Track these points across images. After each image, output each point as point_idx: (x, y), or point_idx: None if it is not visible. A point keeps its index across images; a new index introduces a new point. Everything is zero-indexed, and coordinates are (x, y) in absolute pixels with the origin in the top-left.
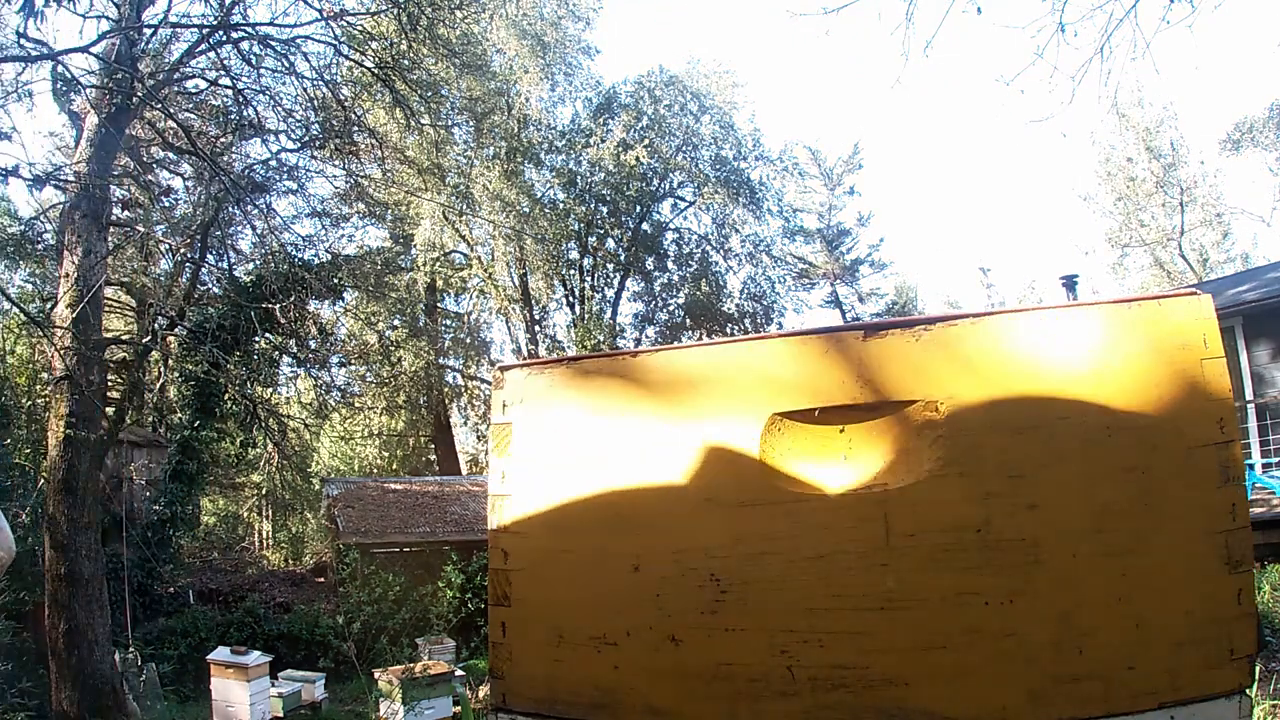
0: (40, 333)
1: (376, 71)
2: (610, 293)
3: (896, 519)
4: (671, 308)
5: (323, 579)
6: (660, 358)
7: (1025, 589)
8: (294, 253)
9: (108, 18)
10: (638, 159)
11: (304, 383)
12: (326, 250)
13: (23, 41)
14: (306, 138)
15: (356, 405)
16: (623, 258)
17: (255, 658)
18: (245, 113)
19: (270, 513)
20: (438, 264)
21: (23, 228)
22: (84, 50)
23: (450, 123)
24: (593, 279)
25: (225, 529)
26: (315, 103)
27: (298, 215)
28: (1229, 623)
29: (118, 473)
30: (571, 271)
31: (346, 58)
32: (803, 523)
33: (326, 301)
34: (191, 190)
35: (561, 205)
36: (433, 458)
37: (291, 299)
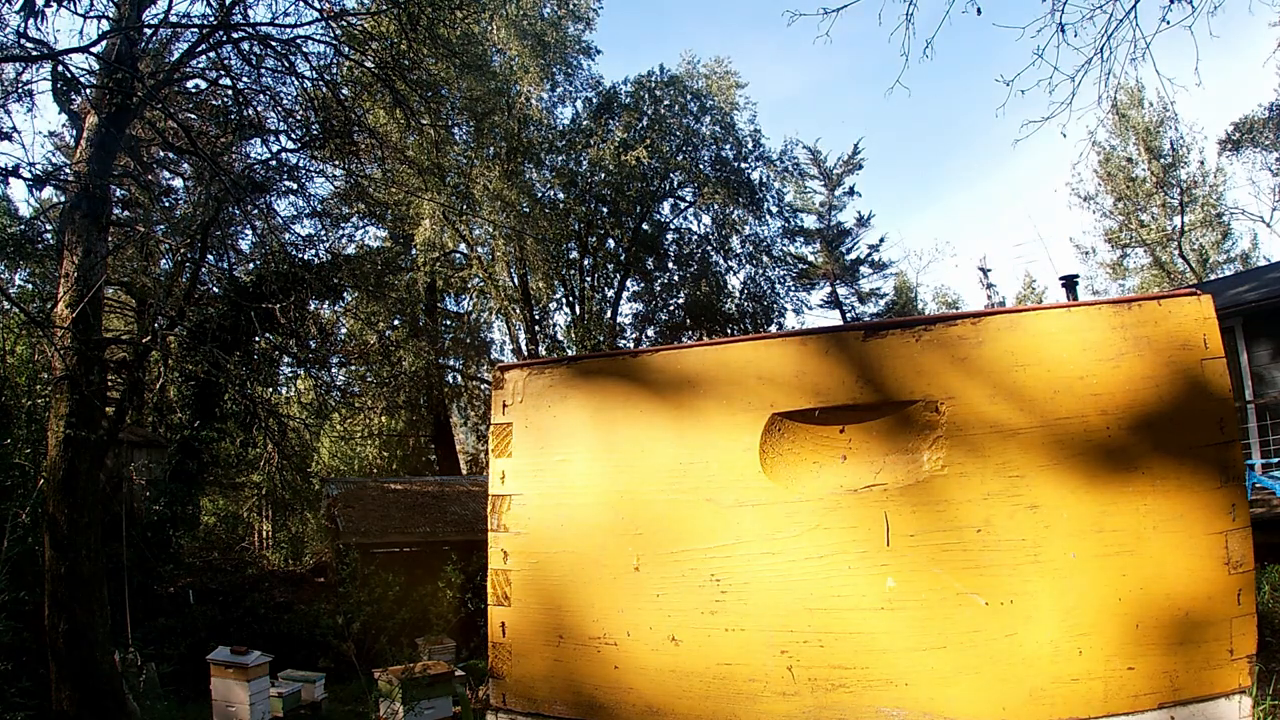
0: (40, 333)
1: (376, 71)
2: (610, 293)
3: (896, 519)
4: (671, 308)
5: (323, 579)
6: (660, 358)
7: (1025, 589)
8: (294, 253)
9: (108, 18)
10: (638, 159)
11: (304, 383)
12: (326, 250)
13: (23, 41)
14: (306, 138)
15: (356, 405)
16: (623, 258)
17: (255, 658)
18: (245, 113)
19: (270, 513)
20: (438, 264)
21: (23, 228)
22: (84, 50)
23: (450, 123)
24: (593, 279)
25: (225, 529)
26: (315, 103)
27: (298, 215)
28: (1229, 623)
29: (118, 473)
30: (571, 271)
31: (346, 58)
32: (803, 523)
33: (326, 301)
34: (191, 190)
35: (562, 205)
36: (433, 458)
37: (291, 299)
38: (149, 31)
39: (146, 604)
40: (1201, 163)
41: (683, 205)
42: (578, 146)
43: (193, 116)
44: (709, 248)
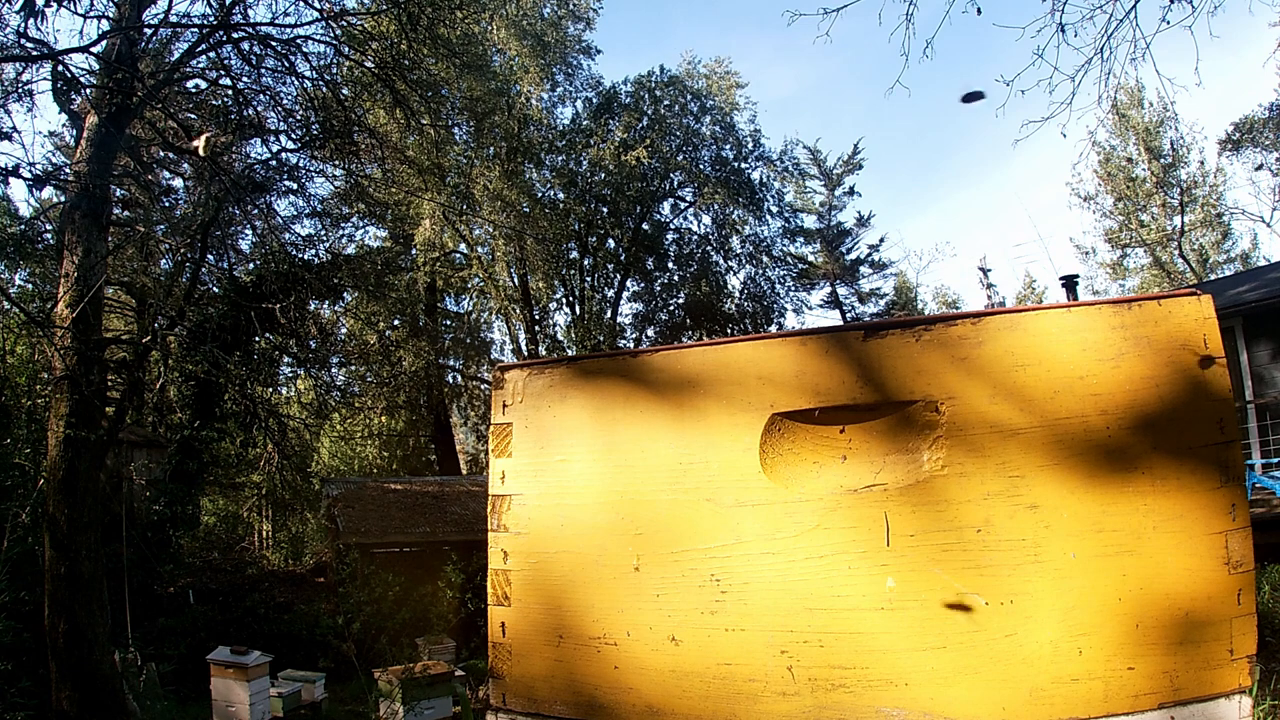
0: (40, 333)
1: (376, 71)
2: (610, 293)
3: (896, 519)
4: (671, 308)
5: (323, 579)
6: (660, 358)
7: (1025, 589)
8: (294, 253)
9: (108, 18)
10: (638, 159)
11: (304, 383)
12: (326, 250)
13: (23, 41)
14: (306, 138)
15: (356, 405)
16: (623, 258)
17: (255, 658)
18: (245, 113)
19: (270, 513)
20: (438, 264)
21: (23, 228)
22: (84, 50)
23: (450, 123)
24: (593, 279)
25: (225, 529)
26: (315, 103)
27: (298, 215)
28: (1229, 623)
29: (118, 473)
30: (571, 271)
31: (346, 58)
32: (803, 523)
33: (326, 301)
34: (191, 190)
35: (562, 205)
36: (433, 458)
37: (291, 299)
38: (149, 31)
39: (146, 604)
40: (1201, 163)
41: (683, 205)
42: (578, 146)
43: (193, 116)
44: (709, 248)
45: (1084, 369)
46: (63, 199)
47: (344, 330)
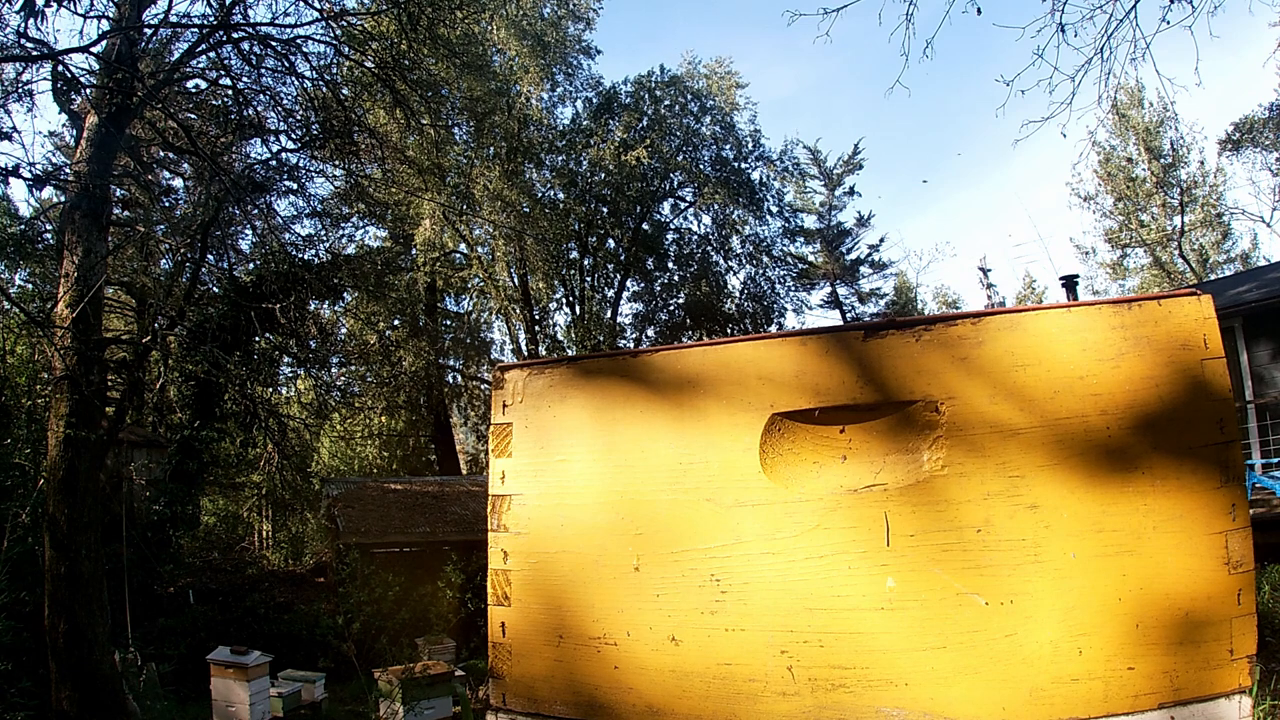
0: (40, 333)
1: (376, 71)
2: (610, 293)
3: (896, 519)
4: (671, 308)
5: (323, 579)
6: (660, 358)
7: (1025, 589)
8: (294, 253)
9: (108, 18)
10: (638, 159)
11: (304, 383)
12: (326, 250)
13: (23, 41)
14: (306, 138)
15: (356, 405)
16: (623, 258)
17: (255, 658)
18: (245, 113)
19: (270, 513)
20: (438, 264)
21: (23, 228)
22: (84, 50)
23: (450, 123)
24: (593, 279)
25: (225, 529)
26: (315, 103)
27: (298, 215)
28: (1229, 623)
29: (118, 473)
30: (571, 271)
31: (346, 58)
32: (803, 523)
33: (326, 301)
34: (191, 190)
35: (562, 205)
36: (433, 458)
37: (291, 299)
38: (149, 31)
39: (146, 604)
40: (1201, 163)
41: (683, 205)
42: (578, 146)
43: (193, 116)
44: (709, 248)
45: (1084, 369)
46: (63, 199)
47: (344, 330)
